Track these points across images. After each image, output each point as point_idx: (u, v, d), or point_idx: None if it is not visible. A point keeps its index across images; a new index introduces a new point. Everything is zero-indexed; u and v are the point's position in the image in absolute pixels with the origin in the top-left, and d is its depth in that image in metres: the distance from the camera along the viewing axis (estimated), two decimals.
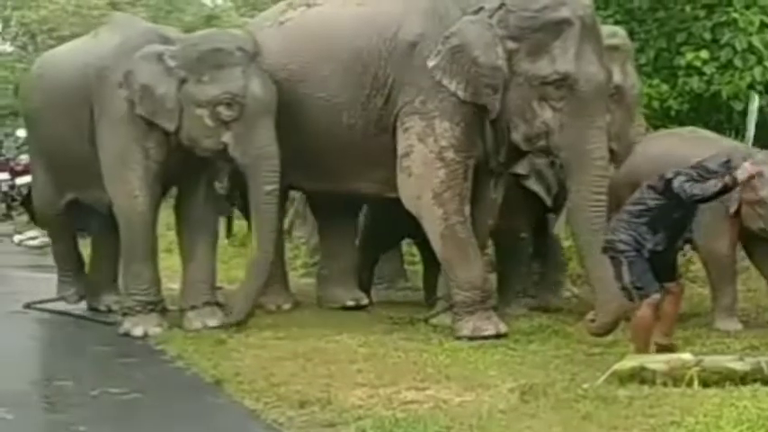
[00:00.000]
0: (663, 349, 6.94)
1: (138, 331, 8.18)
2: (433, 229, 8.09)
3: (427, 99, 8.00)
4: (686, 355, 6.65)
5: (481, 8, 7.89)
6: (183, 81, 8.11)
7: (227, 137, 8.08)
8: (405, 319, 8.67)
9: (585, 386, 6.36)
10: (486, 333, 7.87)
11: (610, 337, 7.78)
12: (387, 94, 8.21)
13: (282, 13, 9.08)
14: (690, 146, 8.21)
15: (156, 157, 8.29)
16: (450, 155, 7.97)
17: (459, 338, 7.88)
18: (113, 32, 8.79)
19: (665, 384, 6.36)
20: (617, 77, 8.38)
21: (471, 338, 7.82)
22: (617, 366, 6.59)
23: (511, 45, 7.74)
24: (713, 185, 6.78)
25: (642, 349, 6.99)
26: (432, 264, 8.83)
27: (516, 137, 7.88)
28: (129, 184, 8.28)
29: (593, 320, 7.55)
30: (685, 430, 5.54)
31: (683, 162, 7.07)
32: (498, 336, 7.86)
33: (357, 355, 7.34)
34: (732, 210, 8.02)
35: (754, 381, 6.39)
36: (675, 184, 6.84)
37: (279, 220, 8.90)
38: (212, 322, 8.29)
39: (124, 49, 8.36)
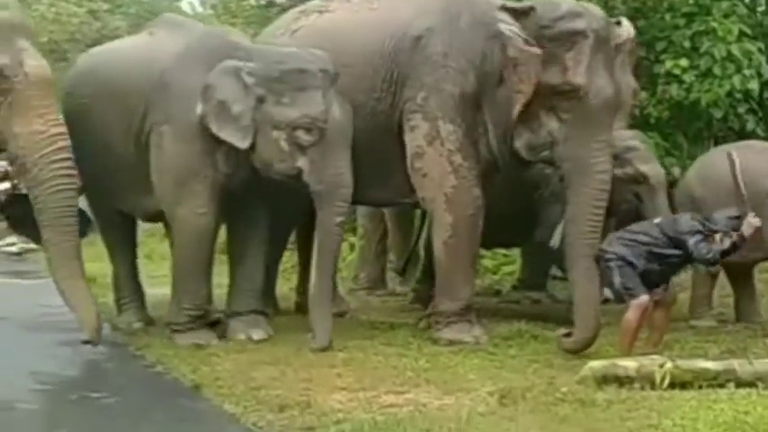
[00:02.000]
0: None
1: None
2: (439, 233, 8.08)
3: (429, 96, 7.96)
4: (657, 356, 6.74)
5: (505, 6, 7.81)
6: (260, 100, 7.69)
7: (302, 162, 7.67)
8: (384, 325, 8.68)
9: (564, 389, 6.41)
10: (466, 340, 7.90)
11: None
12: (393, 92, 8.13)
13: (295, 20, 8.88)
14: None
15: (224, 170, 7.89)
16: (458, 160, 7.95)
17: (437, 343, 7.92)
18: (172, 34, 8.33)
19: (642, 387, 6.44)
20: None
21: (451, 343, 7.86)
22: (589, 366, 6.68)
23: None
24: (721, 246, 7.19)
25: (626, 352, 7.07)
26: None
27: (519, 145, 7.88)
28: (197, 198, 7.84)
29: (567, 335, 7.57)
30: None
31: None
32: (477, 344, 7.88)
33: (337, 360, 7.35)
34: None
35: (727, 381, 6.49)
36: (690, 243, 7.25)
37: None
38: (257, 335, 7.98)
39: (190, 55, 7.97)
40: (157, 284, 9.36)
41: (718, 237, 7.30)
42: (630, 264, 7.31)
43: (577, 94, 7.59)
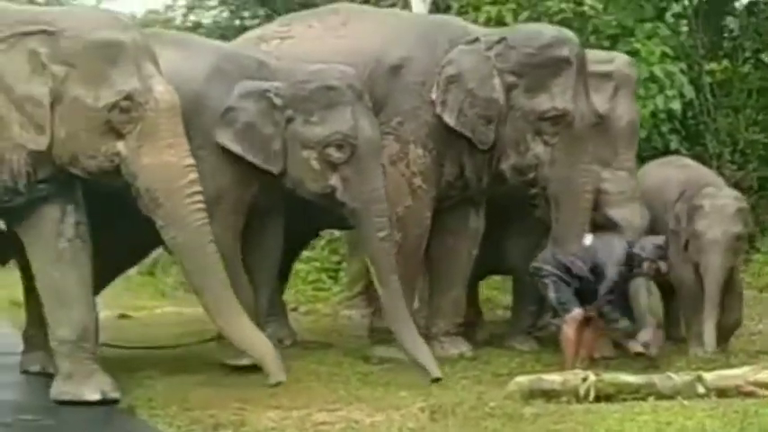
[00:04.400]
0: None
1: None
2: None
3: (404, 121, 8.05)
4: (580, 370, 6.94)
5: (476, 39, 8.04)
6: (289, 120, 7.52)
7: (334, 180, 7.48)
8: (315, 344, 8.77)
9: (492, 404, 6.54)
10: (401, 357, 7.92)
11: (517, 359, 8.03)
12: None
13: (255, 47, 8.57)
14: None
15: (252, 193, 7.70)
16: (417, 182, 8.07)
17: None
18: (193, 53, 7.89)
19: (568, 401, 6.60)
20: (603, 106, 8.57)
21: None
22: (516, 381, 6.86)
23: (510, 79, 7.93)
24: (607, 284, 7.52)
25: (568, 366, 7.24)
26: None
27: (505, 167, 8.07)
28: (224, 221, 7.46)
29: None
30: None
31: None
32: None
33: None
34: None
35: (648, 395, 6.70)
36: (607, 276, 7.52)
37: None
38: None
39: (217, 76, 7.63)
40: None
41: (645, 265, 7.55)
42: (565, 281, 7.53)
43: (565, 119, 7.85)
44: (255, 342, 7.03)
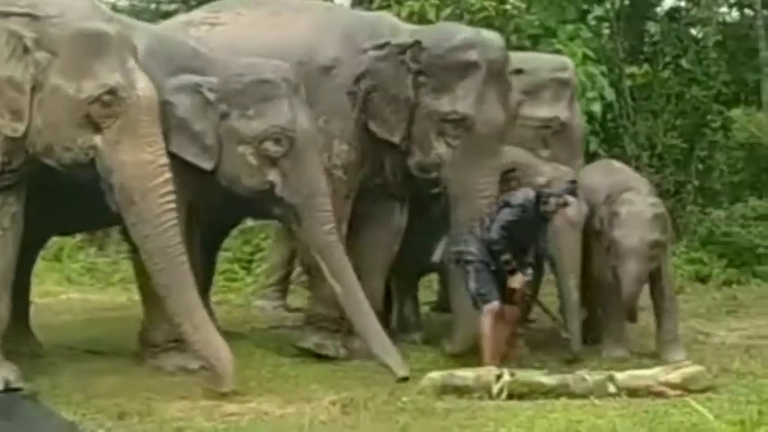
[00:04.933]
0: None
1: None
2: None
3: (331, 119, 7.97)
4: (494, 368, 6.90)
5: (387, 43, 7.96)
6: (224, 116, 7.29)
7: (273, 175, 7.29)
8: (227, 335, 8.63)
9: (404, 399, 6.53)
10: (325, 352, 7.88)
11: (431, 354, 7.98)
12: None
13: (183, 32, 8.29)
14: None
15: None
16: (338, 173, 7.97)
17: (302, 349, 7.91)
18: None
19: (480, 397, 6.59)
20: (564, 114, 8.65)
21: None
22: (429, 376, 6.83)
23: (421, 79, 7.89)
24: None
25: (485, 361, 7.20)
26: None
27: (411, 163, 8.04)
28: None
29: None
30: None
31: None
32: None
33: (177, 371, 7.27)
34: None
35: (561, 395, 6.69)
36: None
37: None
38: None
39: (152, 65, 7.11)
40: None
41: (552, 201, 7.50)
42: (487, 264, 7.48)
43: (465, 123, 7.79)
44: (216, 347, 6.78)
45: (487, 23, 11.31)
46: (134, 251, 7.10)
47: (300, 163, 7.31)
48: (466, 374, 6.81)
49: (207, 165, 7.26)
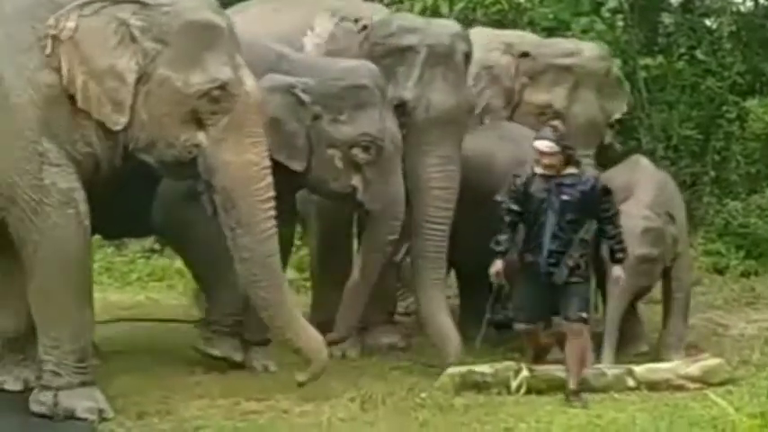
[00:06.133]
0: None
1: None
2: None
3: None
4: (513, 363, 6.89)
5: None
6: (315, 118, 7.18)
7: (356, 180, 7.20)
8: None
9: (423, 395, 6.53)
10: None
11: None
12: None
13: None
14: None
15: None
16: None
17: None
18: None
19: (499, 392, 6.58)
20: (559, 101, 8.49)
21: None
22: (448, 372, 6.83)
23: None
24: None
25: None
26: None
27: None
28: None
29: None
30: None
31: None
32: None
33: (196, 369, 7.26)
34: None
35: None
36: None
37: None
38: None
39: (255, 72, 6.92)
40: None
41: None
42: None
43: (405, 108, 7.59)
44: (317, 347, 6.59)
45: (501, 17, 11.33)
46: (154, 251, 7.04)
47: (384, 171, 7.22)
48: (485, 370, 6.80)
49: (298, 166, 7.12)
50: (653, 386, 6.82)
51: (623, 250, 6.92)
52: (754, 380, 6.97)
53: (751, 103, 12.34)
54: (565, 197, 6.73)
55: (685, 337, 7.90)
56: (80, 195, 6.23)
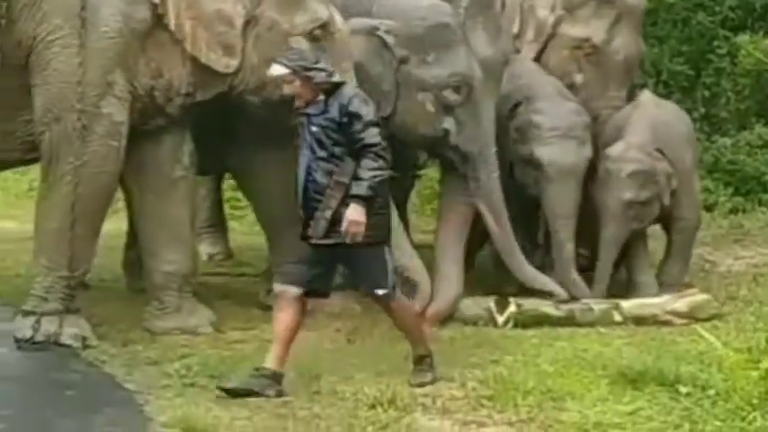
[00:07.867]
0: None
1: None
2: None
3: None
4: (500, 298, 6.90)
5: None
6: (402, 61, 6.91)
7: (448, 123, 7.00)
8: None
9: None
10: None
11: None
12: None
13: None
14: None
15: None
16: None
17: None
18: None
19: (486, 325, 6.58)
20: (598, 35, 8.09)
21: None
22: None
23: None
24: None
25: None
26: None
27: None
28: None
29: None
30: (504, 367, 5.72)
31: None
32: None
33: None
34: None
35: (567, 325, 6.73)
36: None
37: None
38: None
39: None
40: None
41: None
42: None
43: None
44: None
45: None
46: None
47: (476, 111, 7.05)
48: (470, 303, 6.79)
49: (383, 111, 6.64)
50: (640, 321, 6.82)
51: (370, 188, 5.38)
52: (741, 315, 6.97)
53: (742, 38, 12.20)
54: (313, 128, 5.51)
55: (682, 279, 7.73)
56: (125, 130, 6.29)
